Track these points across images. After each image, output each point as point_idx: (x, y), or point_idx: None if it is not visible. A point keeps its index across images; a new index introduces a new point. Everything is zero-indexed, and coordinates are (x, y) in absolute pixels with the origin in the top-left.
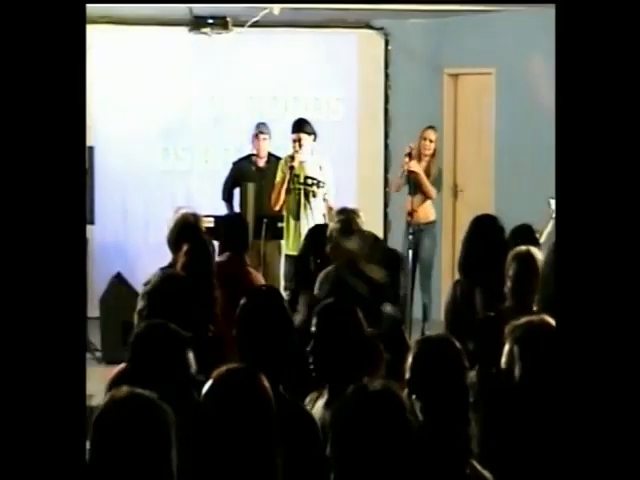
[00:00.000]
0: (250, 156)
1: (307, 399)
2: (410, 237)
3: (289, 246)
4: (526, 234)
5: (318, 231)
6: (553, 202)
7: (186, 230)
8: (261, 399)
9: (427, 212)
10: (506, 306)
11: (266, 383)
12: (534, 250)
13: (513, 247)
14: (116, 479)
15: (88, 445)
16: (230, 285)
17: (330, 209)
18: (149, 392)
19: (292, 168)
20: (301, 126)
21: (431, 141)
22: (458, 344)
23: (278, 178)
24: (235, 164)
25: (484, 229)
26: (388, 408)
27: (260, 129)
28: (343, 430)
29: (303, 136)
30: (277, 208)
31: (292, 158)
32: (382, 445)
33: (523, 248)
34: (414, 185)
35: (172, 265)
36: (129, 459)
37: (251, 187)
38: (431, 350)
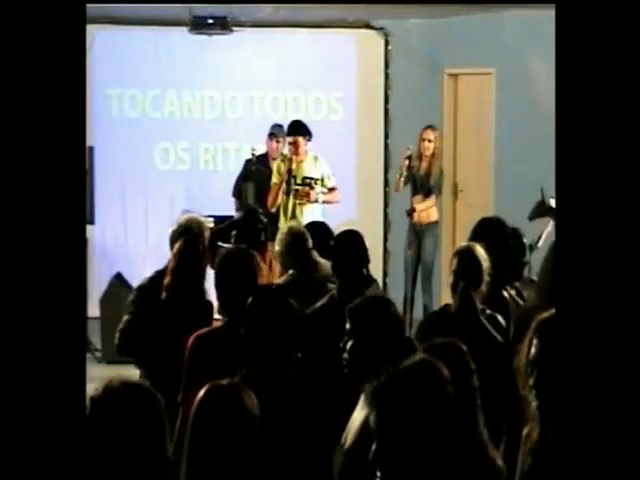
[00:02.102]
0: (261, 156)
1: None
2: (412, 237)
3: None
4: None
5: (317, 227)
6: (553, 202)
7: (188, 233)
8: (245, 416)
9: (429, 212)
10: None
11: (251, 399)
12: (475, 246)
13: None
14: (109, 468)
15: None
16: None
17: (331, 190)
18: (142, 380)
19: (290, 171)
20: (297, 128)
21: (430, 141)
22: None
23: (274, 179)
24: (247, 162)
25: (489, 231)
26: (427, 379)
27: (274, 131)
28: (385, 404)
29: (299, 138)
30: (273, 210)
31: (290, 160)
32: (423, 416)
33: (464, 244)
34: (415, 186)
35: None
36: (122, 448)
37: (250, 187)
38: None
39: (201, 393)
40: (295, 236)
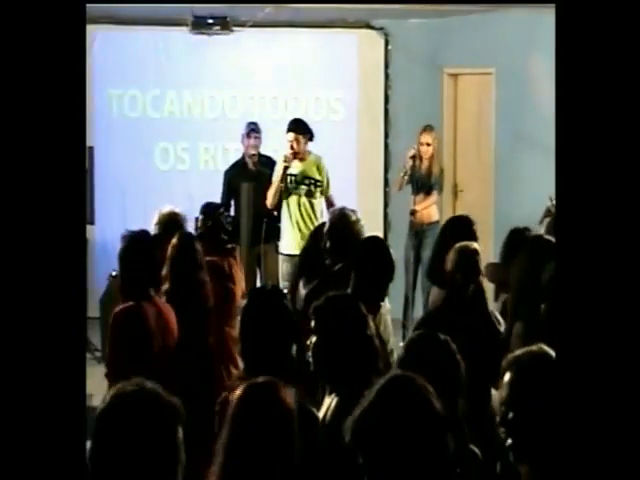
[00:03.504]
0: (241, 159)
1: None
2: (412, 237)
3: (287, 246)
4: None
5: (321, 230)
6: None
7: (171, 227)
8: (283, 415)
9: (430, 212)
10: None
11: (289, 395)
12: (476, 245)
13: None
14: (117, 475)
15: (89, 442)
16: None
17: (331, 205)
18: (156, 386)
19: (286, 168)
20: (297, 126)
21: (428, 144)
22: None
23: (275, 177)
24: (227, 172)
25: (455, 231)
26: (412, 395)
27: (252, 128)
28: (370, 425)
29: (299, 136)
30: (272, 207)
31: (289, 159)
32: (411, 433)
33: (465, 243)
34: (416, 185)
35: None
36: (132, 454)
37: (247, 187)
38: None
39: (239, 391)
40: (345, 224)
